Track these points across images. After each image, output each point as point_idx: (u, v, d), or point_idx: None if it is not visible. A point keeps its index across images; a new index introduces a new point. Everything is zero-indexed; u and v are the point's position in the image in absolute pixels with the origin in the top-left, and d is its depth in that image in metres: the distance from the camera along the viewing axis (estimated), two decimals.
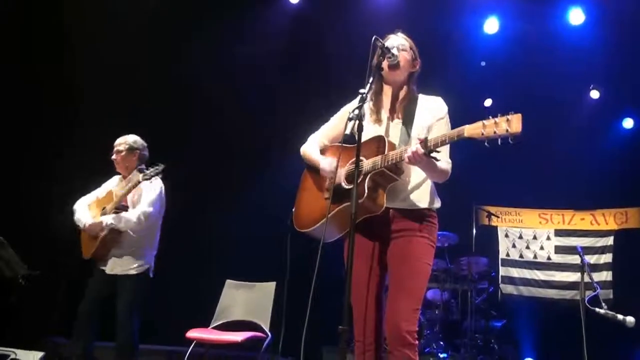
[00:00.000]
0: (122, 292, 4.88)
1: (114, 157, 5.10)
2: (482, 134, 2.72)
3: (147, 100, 7.71)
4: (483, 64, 8.40)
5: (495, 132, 2.69)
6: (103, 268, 4.93)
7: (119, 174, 5.21)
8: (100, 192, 5.19)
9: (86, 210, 5.05)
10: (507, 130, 2.66)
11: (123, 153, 5.09)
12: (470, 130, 2.77)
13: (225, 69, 7.98)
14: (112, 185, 5.19)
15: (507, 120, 2.67)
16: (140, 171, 4.84)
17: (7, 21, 7.04)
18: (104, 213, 4.90)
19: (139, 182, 4.80)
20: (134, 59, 7.50)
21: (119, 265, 4.91)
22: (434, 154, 2.90)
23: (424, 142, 2.88)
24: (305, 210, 3.41)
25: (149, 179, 4.79)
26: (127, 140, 5.14)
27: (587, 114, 8.72)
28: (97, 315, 4.89)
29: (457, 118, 3.06)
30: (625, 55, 7.88)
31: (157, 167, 4.82)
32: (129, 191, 4.89)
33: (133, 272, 4.91)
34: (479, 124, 2.75)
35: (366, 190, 3.01)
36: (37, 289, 5.81)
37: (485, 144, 2.75)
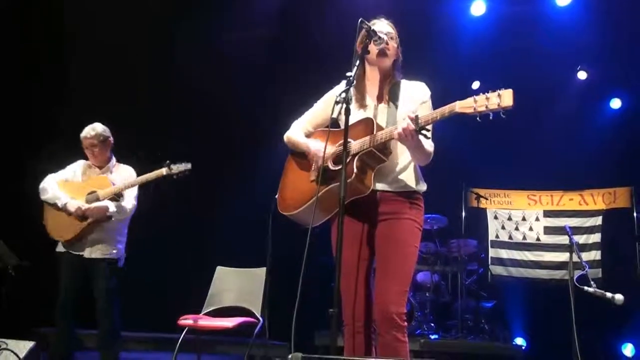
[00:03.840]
0: (102, 276, 4.85)
1: (90, 151, 4.99)
2: (475, 109, 2.75)
3: (134, 87, 7.67)
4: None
5: (487, 107, 2.72)
6: (77, 252, 4.88)
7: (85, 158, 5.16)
8: (67, 173, 5.08)
9: (61, 190, 4.95)
10: (498, 105, 2.69)
11: (98, 147, 5.01)
12: (462, 105, 2.79)
13: (213, 55, 7.95)
14: (80, 169, 5.10)
15: (499, 95, 2.70)
16: (167, 166, 4.86)
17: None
18: (95, 197, 4.87)
19: (163, 175, 4.85)
20: (120, 45, 7.46)
21: (98, 250, 4.88)
22: (424, 132, 2.92)
23: (414, 119, 2.89)
24: (290, 194, 3.40)
25: (175, 176, 4.86)
26: (97, 131, 5.00)
27: (575, 94, 8.75)
28: (77, 300, 4.88)
29: (445, 101, 3.05)
30: (612, 35, 7.90)
31: (185, 166, 4.89)
32: (141, 182, 4.90)
33: (114, 256, 4.94)
34: (470, 99, 2.77)
35: (355, 170, 3.01)
36: (28, 279, 5.79)
37: (478, 119, 2.76)
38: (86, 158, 5.13)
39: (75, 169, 5.12)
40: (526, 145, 8.51)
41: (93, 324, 4.93)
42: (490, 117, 2.74)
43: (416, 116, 2.90)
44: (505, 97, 2.68)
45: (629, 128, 8.47)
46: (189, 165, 4.91)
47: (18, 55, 7.41)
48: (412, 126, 2.88)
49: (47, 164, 5.20)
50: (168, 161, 4.88)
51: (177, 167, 4.88)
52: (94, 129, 5.03)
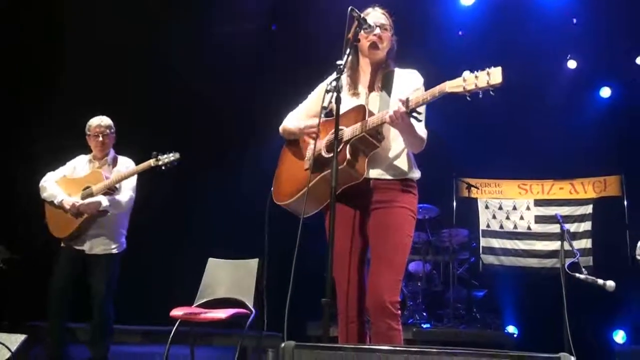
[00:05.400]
0: (101, 271, 4.90)
1: (101, 139, 5.05)
2: (464, 88, 2.75)
3: (125, 81, 7.63)
4: (460, 33, 8.41)
5: (476, 86, 2.73)
6: (78, 247, 4.91)
7: (85, 153, 5.19)
8: (66, 170, 5.13)
9: (58, 187, 4.99)
10: (488, 82, 2.70)
11: (109, 137, 5.11)
12: (452, 85, 2.80)
13: (204, 49, 7.92)
14: (81, 164, 5.14)
15: (488, 73, 2.71)
16: (155, 157, 4.89)
17: None
18: (89, 193, 4.87)
19: (150, 167, 4.89)
20: (111, 40, 7.41)
21: (99, 245, 4.92)
22: (414, 114, 2.93)
23: (405, 102, 2.89)
24: (285, 183, 3.40)
25: (164, 167, 4.89)
26: (107, 123, 5.12)
27: (565, 83, 8.77)
28: (70, 294, 4.90)
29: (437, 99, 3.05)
30: (602, 24, 7.92)
31: (174, 155, 4.90)
32: (130, 175, 4.94)
33: (115, 251, 4.99)
34: (460, 79, 2.78)
35: (347, 156, 3.01)
36: (20, 272, 5.77)
37: (467, 98, 2.77)
38: (86, 152, 5.15)
39: (75, 165, 5.17)
40: (516, 135, 8.53)
41: (85, 317, 4.94)
42: (480, 96, 2.75)
43: (407, 98, 2.91)
44: (494, 75, 2.69)
45: (618, 116, 8.51)
46: (177, 155, 4.93)
47: (13, 53, 7.35)
48: (403, 108, 2.89)
49: (39, 159, 5.18)
50: (155, 152, 4.91)
51: (166, 158, 4.90)
52: (103, 120, 5.13)
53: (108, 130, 5.09)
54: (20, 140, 7.20)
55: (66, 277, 4.89)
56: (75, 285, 4.93)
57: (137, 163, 5.12)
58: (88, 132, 5.10)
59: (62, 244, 4.98)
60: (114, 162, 5.16)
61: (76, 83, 7.37)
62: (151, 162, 4.90)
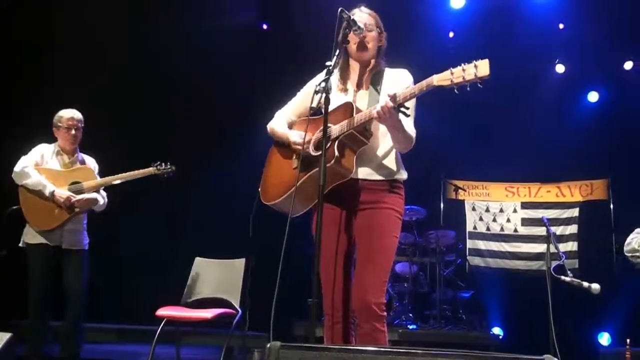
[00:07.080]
0: (76, 267, 4.89)
1: (73, 133, 4.98)
2: (452, 81, 2.75)
3: (117, 77, 7.60)
4: (451, 35, 8.44)
5: (464, 78, 2.72)
6: (53, 243, 4.85)
7: (48, 142, 5.10)
8: (37, 157, 4.95)
9: (42, 176, 4.86)
10: (475, 75, 2.69)
11: (80, 130, 5.06)
12: (440, 78, 2.79)
13: (194, 46, 7.90)
14: (48, 154, 5.00)
15: (475, 65, 2.71)
16: (155, 166, 5.09)
17: None
18: (79, 189, 4.86)
19: (150, 174, 5.08)
20: (101, 35, 7.38)
21: (72, 240, 4.90)
22: (402, 109, 2.91)
23: (393, 97, 2.89)
24: (273, 183, 3.38)
25: (163, 175, 5.12)
26: (80, 117, 5.06)
27: (553, 87, 8.83)
28: (51, 292, 4.88)
29: (425, 93, 3.05)
30: (590, 29, 7.97)
31: (171, 167, 5.17)
32: (132, 177, 5.03)
33: (86, 247, 5.01)
34: (447, 72, 2.77)
35: (336, 153, 3.00)
36: (4, 269, 5.72)
37: (455, 91, 2.77)
38: (50, 142, 5.07)
39: (43, 153, 5.00)
40: (504, 137, 8.57)
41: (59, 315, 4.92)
42: (468, 89, 2.74)
43: (394, 93, 2.90)
44: (481, 67, 2.69)
45: (606, 121, 8.57)
46: (173, 167, 5.17)
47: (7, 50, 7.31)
48: (391, 103, 2.88)
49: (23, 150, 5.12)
50: (159, 162, 5.11)
51: (165, 168, 5.11)
52: (76, 113, 5.06)
53: (80, 124, 5.03)
54: (13, 137, 7.16)
55: (46, 274, 4.84)
56: (55, 282, 4.89)
57: (126, 163, 5.12)
58: (59, 124, 4.98)
59: (31, 240, 4.86)
60: (83, 160, 5.15)
61: (72, 81, 7.33)
62: (151, 170, 5.08)
